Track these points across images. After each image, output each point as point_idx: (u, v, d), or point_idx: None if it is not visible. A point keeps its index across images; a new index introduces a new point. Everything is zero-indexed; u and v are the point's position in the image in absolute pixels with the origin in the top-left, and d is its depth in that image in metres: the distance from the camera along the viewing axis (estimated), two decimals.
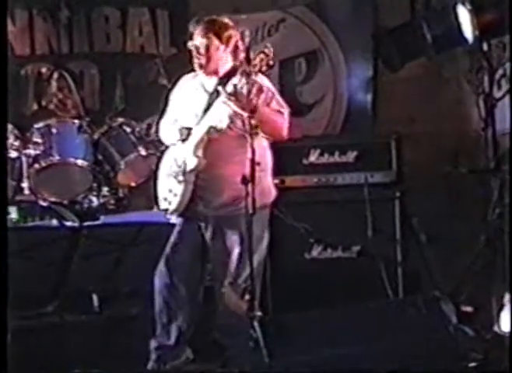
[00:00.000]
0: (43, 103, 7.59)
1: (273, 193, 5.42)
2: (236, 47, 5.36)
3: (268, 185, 5.36)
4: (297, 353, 3.93)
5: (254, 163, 4.85)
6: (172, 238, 5.41)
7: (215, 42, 5.33)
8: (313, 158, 6.64)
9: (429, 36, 6.16)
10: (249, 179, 4.80)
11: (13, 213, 6.60)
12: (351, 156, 6.56)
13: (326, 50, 7.88)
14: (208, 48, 5.32)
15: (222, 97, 5.13)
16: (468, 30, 5.84)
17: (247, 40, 5.22)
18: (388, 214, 6.41)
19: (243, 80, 4.94)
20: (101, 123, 7.20)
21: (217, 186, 5.31)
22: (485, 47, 6.06)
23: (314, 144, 6.75)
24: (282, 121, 5.26)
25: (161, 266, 5.41)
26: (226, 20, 5.48)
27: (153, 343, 5.49)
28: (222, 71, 5.36)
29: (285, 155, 6.07)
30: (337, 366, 3.94)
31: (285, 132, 5.25)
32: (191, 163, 5.23)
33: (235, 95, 5.06)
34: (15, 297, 4.67)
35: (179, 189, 5.29)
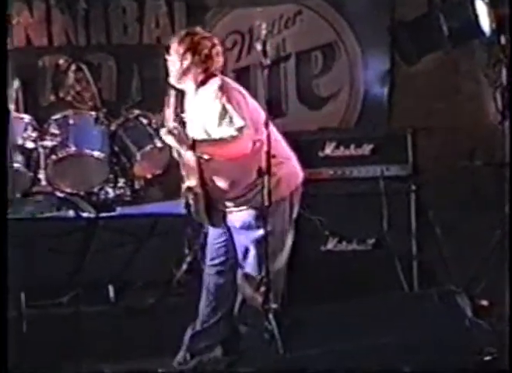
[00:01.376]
0: (61, 95, 7.62)
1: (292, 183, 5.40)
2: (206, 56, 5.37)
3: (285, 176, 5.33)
4: (312, 346, 3.91)
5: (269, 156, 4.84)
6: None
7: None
8: (328, 150, 6.63)
9: (446, 28, 6.15)
10: (265, 172, 4.80)
11: (30, 205, 6.63)
12: (367, 149, 6.55)
13: (343, 43, 7.86)
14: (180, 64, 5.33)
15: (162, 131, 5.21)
16: (485, 23, 5.84)
17: (263, 32, 5.21)
18: (404, 207, 6.42)
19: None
20: (118, 114, 7.22)
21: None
22: (502, 40, 6.03)
23: (330, 137, 6.72)
24: (232, 145, 5.23)
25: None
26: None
27: (189, 332, 5.50)
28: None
29: (301, 148, 6.05)
30: (350, 359, 3.93)
31: (243, 149, 5.20)
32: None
33: (171, 132, 5.13)
34: (32, 287, 4.68)
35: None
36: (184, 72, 5.30)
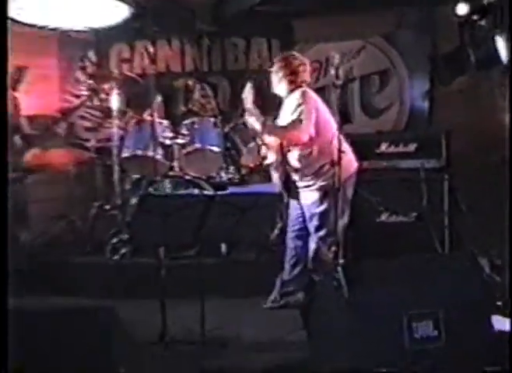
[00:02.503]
0: (190, 106, 7.66)
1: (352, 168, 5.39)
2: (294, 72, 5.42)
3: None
4: (370, 292, 3.88)
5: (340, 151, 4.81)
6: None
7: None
8: (383, 148, 6.67)
9: (473, 58, 6.06)
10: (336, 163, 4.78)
11: (167, 184, 6.70)
12: (412, 147, 6.57)
13: (395, 69, 7.80)
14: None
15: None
16: (503, 54, 5.72)
17: (336, 61, 5.17)
18: (439, 190, 6.41)
19: None
20: (230, 120, 7.25)
21: None
22: None
23: (384, 138, 6.76)
24: (291, 132, 5.27)
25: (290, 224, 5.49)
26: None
27: (279, 280, 5.52)
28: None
29: (362, 146, 6.01)
30: (399, 302, 3.88)
31: (300, 138, 5.21)
32: None
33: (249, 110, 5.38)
34: (168, 243, 4.72)
35: None
36: (279, 82, 5.39)
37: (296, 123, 5.20)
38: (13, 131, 5.28)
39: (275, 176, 5.54)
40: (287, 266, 5.53)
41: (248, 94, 5.41)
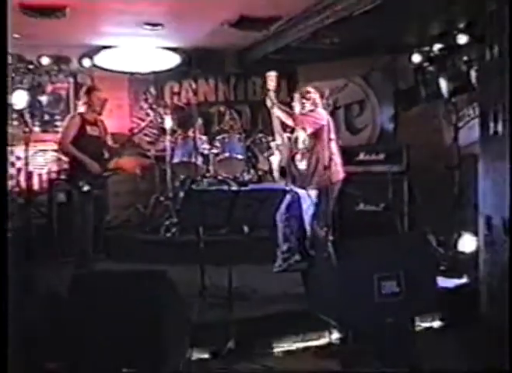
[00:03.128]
0: (221, 126, 7.66)
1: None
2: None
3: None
4: (351, 261, 3.86)
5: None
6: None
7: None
8: (361, 156, 6.60)
9: (424, 93, 6.04)
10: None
11: (205, 182, 6.69)
12: (381, 156, 6.52)
13: (369, 100, 7.72)
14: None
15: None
16: (444, 91, 5.71)
17: (327, 94, 5.17)
18: (401, 187, 6.34)
19: None
20: (250, 136, 7.25)
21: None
22: (453, 99, 5.93)
23: (362, 149, 6.70)
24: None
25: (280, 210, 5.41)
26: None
27: (279, 250, 5.49)
28: None
29: (346, 155, 5.96)
30: (371, 266, 3.85)
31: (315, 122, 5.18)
32: None
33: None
34: (205, 224, 4.69)
35: None
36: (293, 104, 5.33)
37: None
38: (101, 146, 5.29)
39: (276, 174, 5.46)
40: (281, 240, 5.49)
41: (270, 77, 5.25)
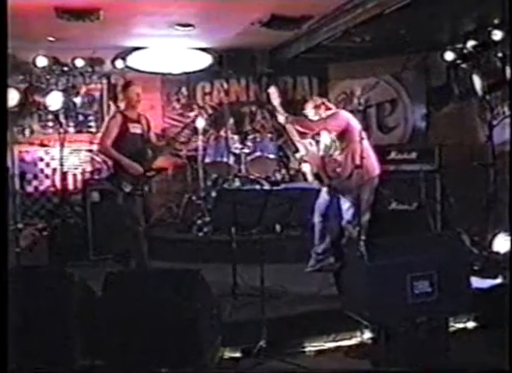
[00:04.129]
0: (253, 126, 7.68)
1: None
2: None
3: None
4: (383, 260, 3.83)
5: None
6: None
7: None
8: (393, 155, 6.55)
9: (457, 91, 5.96)
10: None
11: (237, 182, 6.71)
12: (413, 155, 6.48)
13: (400, 99, 7.66)
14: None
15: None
16: (478, 88, 5.62)
17: (358, 93, 5.15)
18: (433, 186, 6.31)
19: None
20: (282, 136, 7.25)
21: None
22: (487, 97, 5.83)
23: (394, 148, 6.66)
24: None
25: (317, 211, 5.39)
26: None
27: (313, 251, 5.49)
28: None
29: (378, 154, 5.93)
30: (401, 267, 3.83)
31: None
32: None
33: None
34: (239, 225, 4.70)
35: None
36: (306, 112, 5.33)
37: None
38: (145, 144, 5.24)
39: (310, 178, 5.46)
40: (317, 241, 5.49)
41: (273, 94, 5.32)
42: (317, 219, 5.41)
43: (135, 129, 5.13)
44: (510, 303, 3.92)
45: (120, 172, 5.02)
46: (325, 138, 5.28)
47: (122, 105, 5.20)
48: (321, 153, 5.36)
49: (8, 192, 4.29)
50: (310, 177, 5.46)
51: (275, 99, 5.24)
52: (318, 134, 5.32)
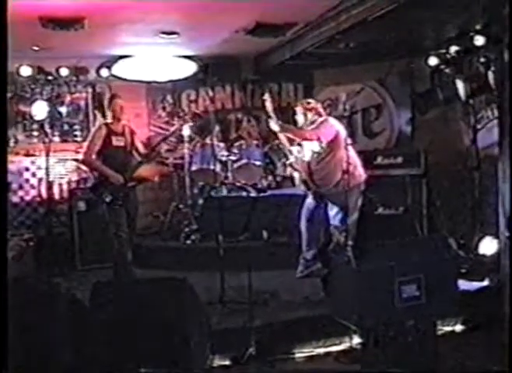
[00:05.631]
0: (239, 133, 7.69)
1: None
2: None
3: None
4: (370, 265, 3.85)
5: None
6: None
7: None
8: (379, 160, 6.56)
9: (441, 96, 6.00)
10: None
11: (224, 189, 6.71)
12: (399, 160, 6.48)
13: (385, 104, 7.71)
14: None
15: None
16: (462, 93, 5.67)
17: (343, 99, 5.17)
18: (419, 191, 6.31)
19: None
20: (268, 143, 7.23)
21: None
22: (471, 101, 5.88)
23: (379, 153, 6.67)
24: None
25: (304, 217, 5.39)
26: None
27: (302, 257, 5.48)
28: None
29: (364, 159, 5.95)
30: (388, 272, 3.84)
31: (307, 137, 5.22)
32: None
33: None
34: (225, 230, 4.69)
35: None
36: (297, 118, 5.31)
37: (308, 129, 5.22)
38: (127, 156, 5.26)
39: (297, 182, 5.46)
40: (304, 247, 5.48)
41: (267, 101, 5.33)
42: (303, 225, 5.40)
43: (119, 142, 5.20)
44: (510, 303, 3.92)
45: (102, 182, 5.10)
46: (314, 146, 5.28)
47: (109, 117, 5.24)
48: (308, 159, 5.36)
49: (7, 198, 4.27)
50: (297, 182, 5.47)
51: (269, 106, 5.24)
52: (307, 140, 5.32)
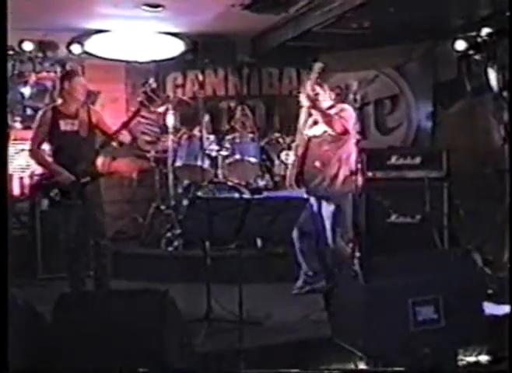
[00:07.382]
0: (232, 124, 7.68)
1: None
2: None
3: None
4: (381, 281, 3.85)
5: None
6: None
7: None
8: (393, 160, 6.55)
9: (469, 86, 6.01)
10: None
11: (213, 189, 6.70)
12: (417, 160, 6.46)
13: (403, 95, 7.75)
14: None
15: None
16: (494, 83, 5.67)
17: (354, 88, 5.16)
18: (440, 196, 6.28)
19: None
20: (265, 136, 7.26)
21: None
22: (504, 93, 5.87)
23: (394, 152, 6.64)
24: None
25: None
26: None
27: (302, 271, 5.48)
28: None
29: (376, 158, 5.96)
30: (401, 290, 3.85)
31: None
32: None
33: None
34: (214, 238, 4.69)
35: None
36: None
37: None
38: (81, 144, 5.08)
39: (289, 184, 5.45)
40: (301, 259, 5.48)
41: (318, 68, 5.25)
42: (295, 234, 5.39)
43: (68, 126, 5.01)
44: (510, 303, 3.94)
45: (48, 177, 5.01)
46: (319, 129, 5.28)
47: (60, 98, 5.10)
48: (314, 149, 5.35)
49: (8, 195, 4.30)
50: (290, 179, 5.46)
51: (314, 77, 5.20)
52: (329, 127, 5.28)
